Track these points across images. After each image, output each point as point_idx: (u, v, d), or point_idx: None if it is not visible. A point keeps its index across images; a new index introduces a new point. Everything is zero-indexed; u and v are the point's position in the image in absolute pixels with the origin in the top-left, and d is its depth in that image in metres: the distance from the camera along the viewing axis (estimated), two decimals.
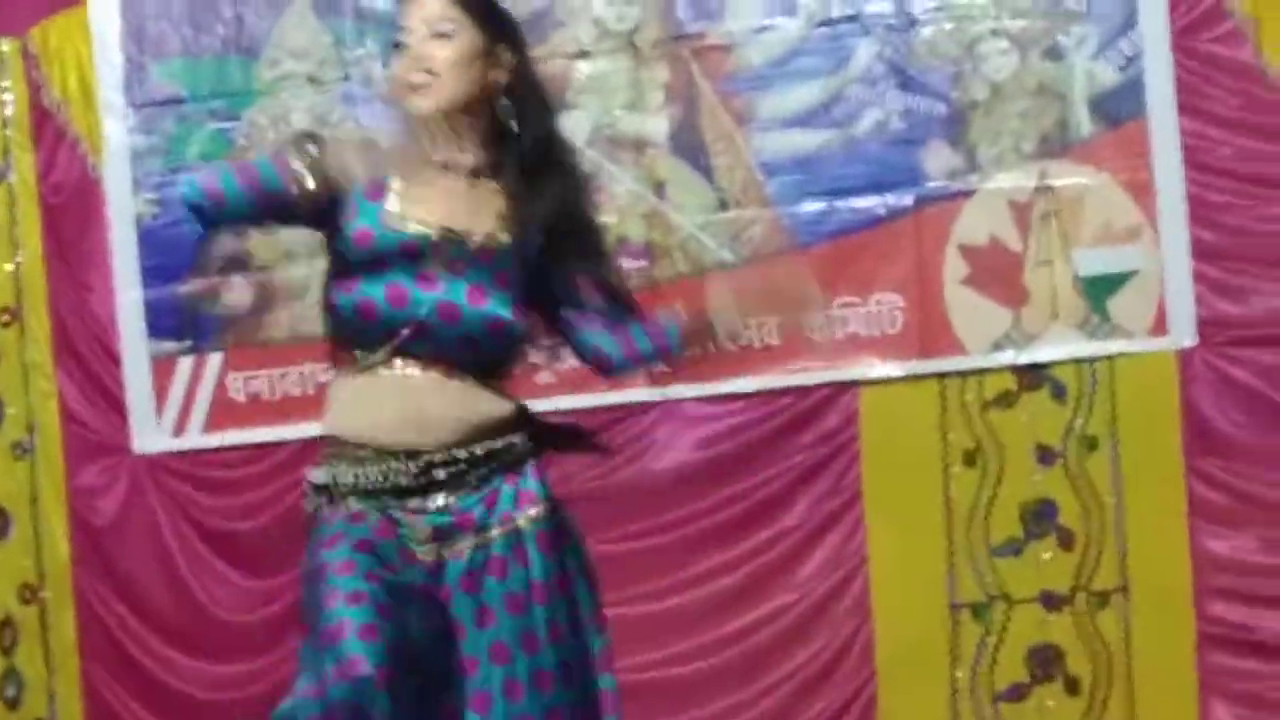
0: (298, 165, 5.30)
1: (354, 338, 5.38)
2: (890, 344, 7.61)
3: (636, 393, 7.62)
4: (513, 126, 5.46)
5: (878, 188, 7.58)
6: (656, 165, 7.70)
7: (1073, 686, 7.54)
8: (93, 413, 7.95)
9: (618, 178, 7.74)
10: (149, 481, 7.91)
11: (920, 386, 7.63)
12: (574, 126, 7.57)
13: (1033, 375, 7.56)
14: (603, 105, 7.77)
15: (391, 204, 5.38)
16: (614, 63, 7.77)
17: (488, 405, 5.47)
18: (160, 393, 7.92)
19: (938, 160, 7.56)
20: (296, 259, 7.89)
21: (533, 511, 5.40)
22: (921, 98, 7.60)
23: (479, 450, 5.45)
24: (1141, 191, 7.47)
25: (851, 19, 7.59)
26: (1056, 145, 7.52)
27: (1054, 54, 7.52)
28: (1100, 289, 7.53)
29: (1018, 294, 7.55)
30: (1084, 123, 7.53)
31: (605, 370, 5.58)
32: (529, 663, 5.46)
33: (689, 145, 7.71)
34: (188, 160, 7.82)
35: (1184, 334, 7.43)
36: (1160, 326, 7.46)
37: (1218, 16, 7.42)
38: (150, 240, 7.73)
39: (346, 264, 5.35)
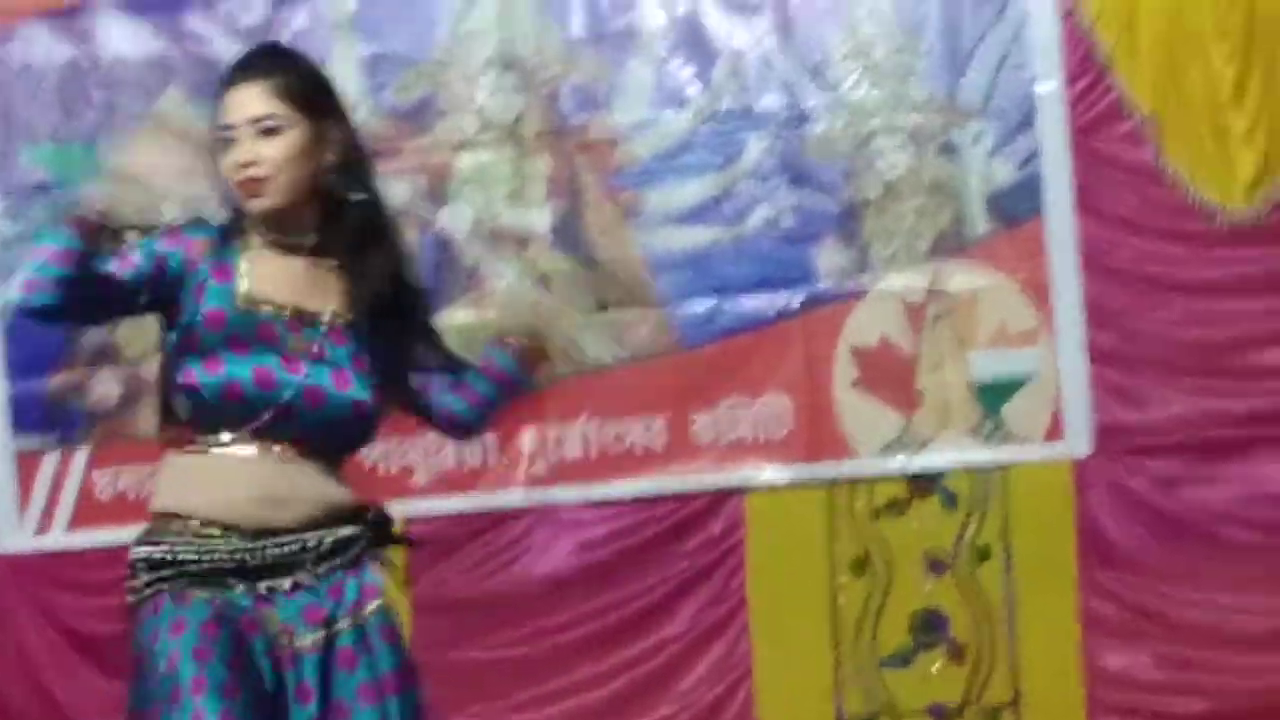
0: (129, 240, 5.02)
1: (210, 418, 5.12)
2: (777, 448, 7.50)
3: (512, 496, 7.55)
4: (344, 196, 5.29)
5: (767, 286, 7.48)
6: (539, 260, 7.64)
7: None
8: None
9: (499, 272, 7.70)
10: (10, 582, 7.84)
11: (808, 493, 7.51)
12: (455, 218, 7.66)
13: (924, 482, 7.44)
14: (485, 197, 7.71)
15: (241, 285, 5.15)
16: (497, 154, 7.71)
17: (336, 491, 5.24)
18: (24, 489, 7.84)
19: (829, 259, 7.45)
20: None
21: (374, 604, 5.13)
22: (813, 194, 7.48)
23: (328, 539, 5.22)
24: (1038, 293, 7.36)
25: (742, 114, 7.50)
26: (951, 244, 7.40)
27: (949, 151, 7.43)
28: (994, 394, 7.43)
29: (909, 398, 7.45)
30: (980, 221, 7.42)
31: (461, 429, 5.36)
32: None
33: (573, 240, 7.64)
34: (55, 244, 7.66)
35: (1080, 442, 7.32)
36: (1056, 433, 7.35)
37: (1118, 116, 7.34)
38: (17, 332, 7.63)
39: (195, 346, 5.08)
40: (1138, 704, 7.31)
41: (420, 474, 7.68)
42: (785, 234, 7.47)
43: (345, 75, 7.62)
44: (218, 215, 5.42)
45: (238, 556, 5.11)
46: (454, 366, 5.40)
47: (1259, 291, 7.37)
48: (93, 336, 7.83)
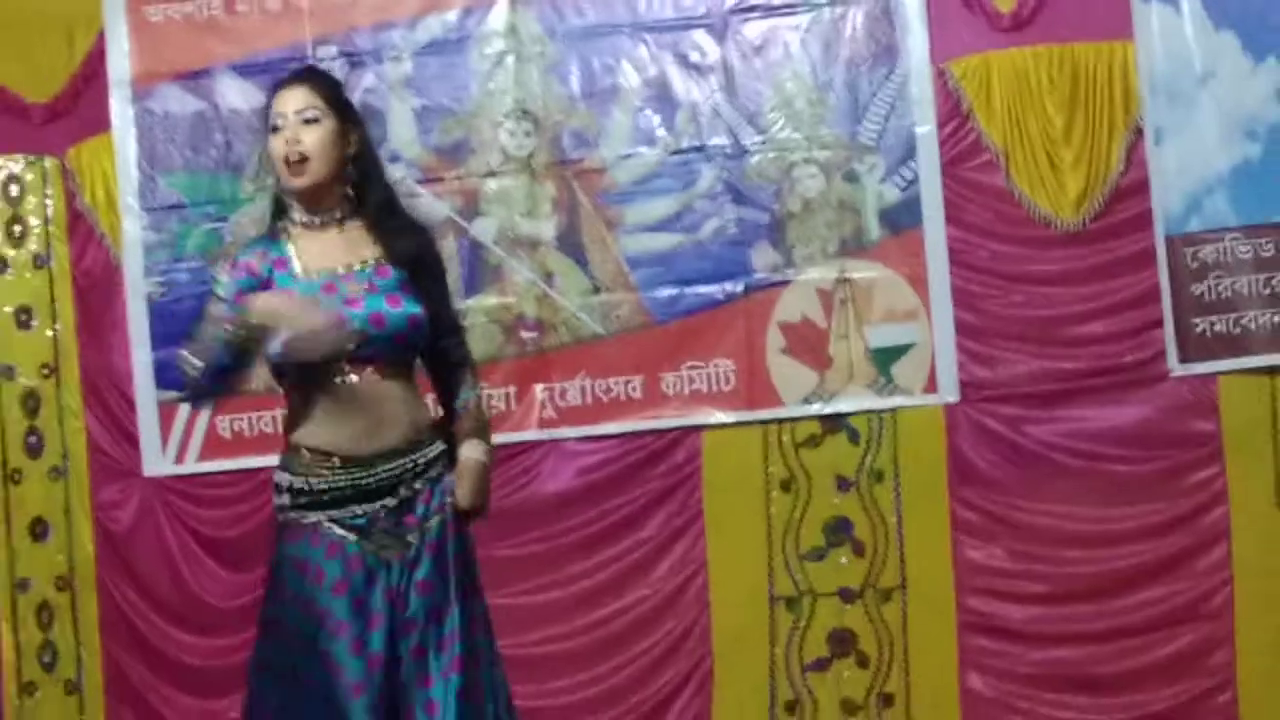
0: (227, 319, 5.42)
1: (311, 365, 5.46)
2: (725, 397, 7.68)
3: (528, 434, 7.73)
4: (364, 178, 5.61)
5: (717, 278, 7.67)
6: (546, 259, 7.78)
7: (863, 661, 7.61)
8: (112, 445, 7.99)
9: (516, 269, 7.81)
10: (155, 498, 7.96)
11: (748, 430, 7.71)
12: (484, 228, 7.76)
13: (834, 422, 7.66)
14: (505, 213, 7.82)
15: (295, 266, 5.52)
16: (515, 181, 7.81)
17: (421, 411, 5.60)
18: (164, 430, 7.95)
19: (762, 257, 7.66)
20: None
21: (446, 511, 5.48)
22: (750, 209, 7.67)
23: (421, 460, 5.51)
24: (918, 283, 7.58)
25: (698, 149, 7.67)
26: (853, 247, 7.62)
27: (851, 177, 7.62)
28: (886, 357, 7.63)
29: (823, 360, 7.65)
30: (874, 230, 7.63)
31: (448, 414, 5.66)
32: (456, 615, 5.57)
33: (571, 244, 7.78)
34: (188, 251, 7.90)
35: (949, 393, 7.57)
36: (931, 386, 7.59)
37: (977, 150, 7.56)
38: (158, 313, 7.81)
39: None
40: (994, 586, 7.54)
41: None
42: (730, 239, 7.66)
43: (402, 121, 7.84)
44: (260, 228, 6.17)
45: (355, 482, 5.48)
46: (456, 352, 5.73)
47: (1082, 281, 7.57)
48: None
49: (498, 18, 7.84)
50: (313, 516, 5.50)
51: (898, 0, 7.66)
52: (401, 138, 7.90)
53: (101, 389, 8.03)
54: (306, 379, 5.51)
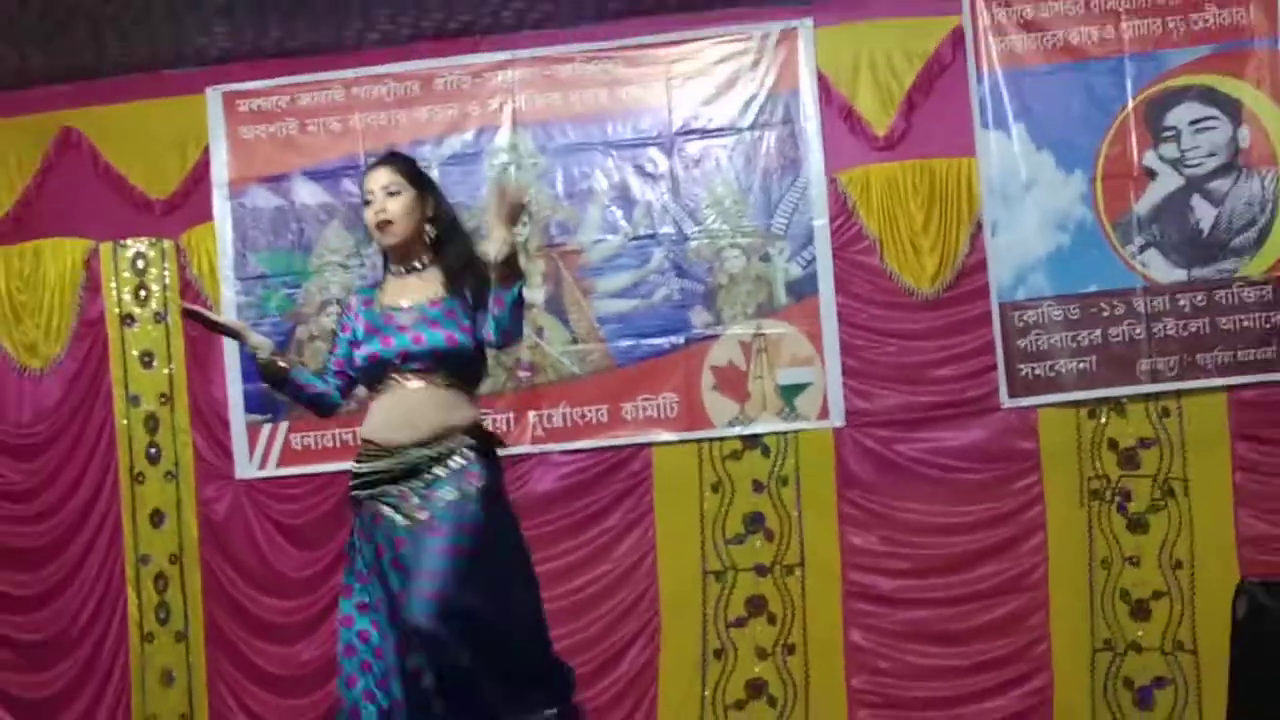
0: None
1: (370, 377, 5.76)
2: (670, 423, 7.95)
3: (523, 448, 7.92)
4: (439, 235, 5.83)
5: (664, 333, 7.94)
6: (537, 318, 7.98)
7: (772, 620, 7.87)
8: (212, 455, 8.25)
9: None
10: (244, 495, 8.21)
11: (687, 447, 7.96)
12: None
13: (751, 441, 7.93)
14: None
15: (375, 304, 5.80)
16: (524, 259, 7.20)
17: (452, 415, 5.70)
18: (251, 443, 8.19)
19: (699, 317, 7.94)
20: None
21: (452, 496, 5.60)
22: (690, 281, 7.95)
23: (441, 450, 5.65)
24: (815, 337, 7.85)
25: (650, 236, 7.96)
26: (767, 310, 7.89)
27: (765, 258, 7.89)
28: (790, 393, 7.89)
29: (743, 394, 7.92)
30: (782, 297, 7.90)
31: (502, 334, 5.66)
32: None
33: (556, 306, 8.03)
34: (270, 311, 8.10)
35: (837, 419, 7.86)
36: (824, 414, 7.86)
37: (859, 238, 7.85)
38: (246, 356, 7.10)
39: (359, 344, 5.77)
40: (870, 564, 7.82)
41: None
42: (674, 304, 7.93)
43: None
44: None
45: (388, 466, 5.68)
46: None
47: (937, 336, 7.82)
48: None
49: (502, 137, 8.06)
50: (362, 494, 5.73)
51: (800, 127, 7.87)
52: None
53: (205, 413, 8.26)
54: (373, 386, 5.78)
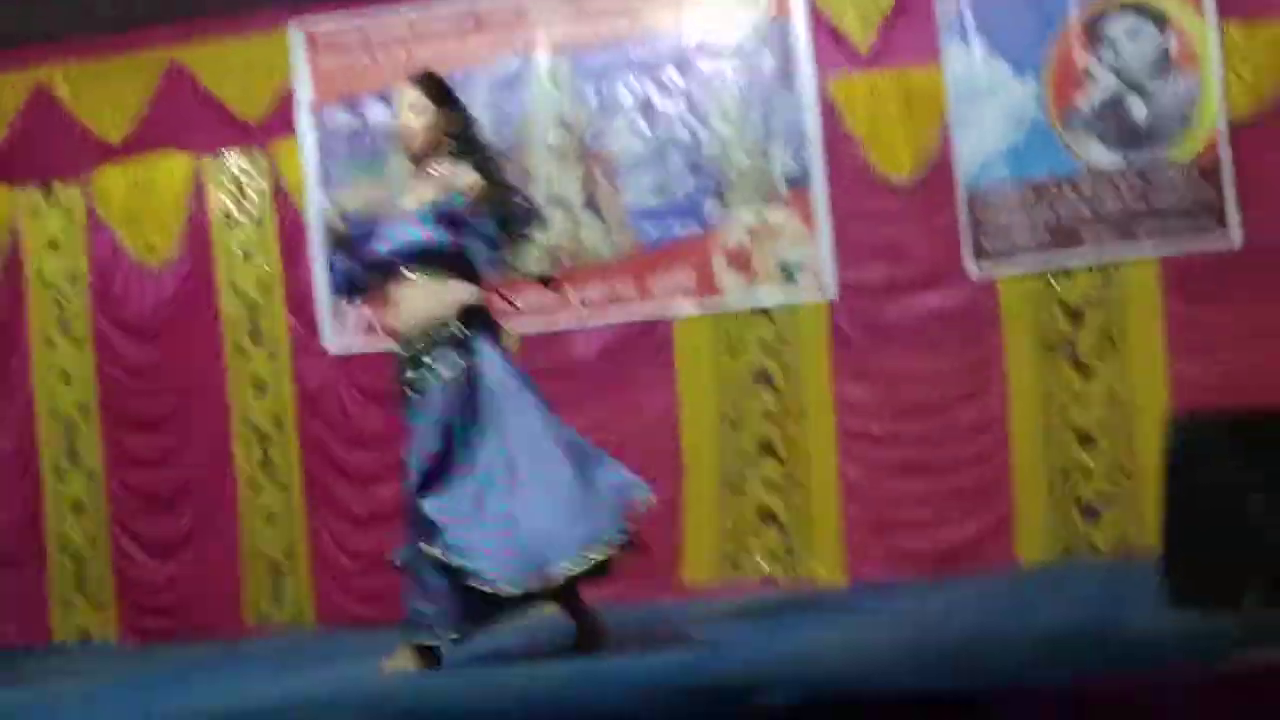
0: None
1: (382, 273, 6.00)
2: (689, 296, 8.22)
3: (570, 321, 8.24)
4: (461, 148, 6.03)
5: (683, 221, 8.23)
6: (577, 213, 8.27)
7: (778, 457, 8.18)
8: (305, 333, 8.50)
9: (558, 218, 8.22)
10: (333, 365, 8.51)
11: (703, 316, 8.22)
12: (538, 194, 7.94)
13: (758, 310, 8.20)
14: (553, 183, 8.31)
15: (403, 203, 6.05)
16: (557, 164, 8.33)
17: (449, 299, 5.89)
18: (337, 322, 8.45)
19: (712, 208, 8.21)
20: None
21: (461, 367, 5.87)
22: (704, 179, 8.21)
23: (445, 332, 5.87)
24: (809, 222, 8.10)
25: (669, 141, 8.19)
26: (769, 200, 8.15)
27: (766, 156, 8.14)
28: (790, 269, 8.18)
29: (750, 271, 8.19)
30: (781, 189, 8.16)
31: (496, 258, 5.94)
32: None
33: (592, 202, 8.31)
34: (348, 211, 6.69)
35: (830, 292, 8.13)
36: (819, 286, 8.11)
37: (845, 137, 8.10)
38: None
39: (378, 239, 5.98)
40: (859, 409, 8.09)
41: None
42: (691, 197, 8.19)
43: (486, 128, 7.06)
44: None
45: (411, 347, 5.99)
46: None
47: (913, 219, 8.04)
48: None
49: (542, 61, 8.35)
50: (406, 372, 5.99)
51: (794, 45, 8.13)
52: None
53: (298, 298, 8.58)
54: (389, 281, 6.03)
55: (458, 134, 6.08)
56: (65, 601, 8.86)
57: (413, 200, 6.05)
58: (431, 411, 5.86)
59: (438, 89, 6.11)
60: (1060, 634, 5.42)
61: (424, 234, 5.90)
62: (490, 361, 5.99)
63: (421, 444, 5.87)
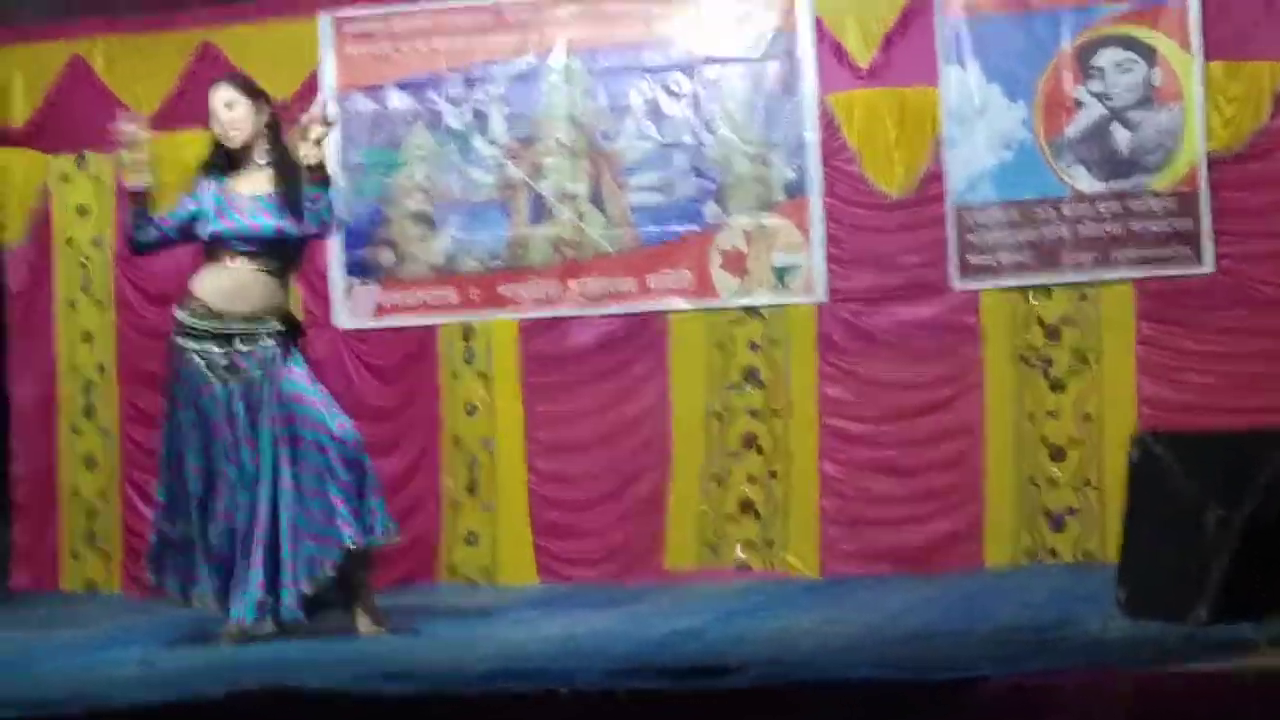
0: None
1: (212, 249, 6.12)
2: (684, 294, 8.26)
3: (568, 310, 8.27)
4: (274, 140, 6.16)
5: (682, 221, 8.26)
6: (580, 206, 8.31)
7: (761, 452, 8.19)
8: (316, 308, 8.40)
9: (563, 211, 8.34)
10: (341, 341, 8.48)
11: (697, 314, 8.26)
12: (545, 187, 8.32)
13: (750, 310, 8.22)
14: (558, 178, 8.37)
15: (227, 190, 6.14)
16: (565, 159, 8.36)
17: (275, 298, 6.11)
18: (348, 300, 8.46)
19: (711, 210, 8.24)
20: (412, 241, 8.50)
21: (270, 368, 6.03)
22: (705, 181, 8.23)
23: (261, 328, 6.05)
24: (804, 229, 8.14)
25: (675, 144, 8.22)
26: (766, 205, 8.18)
27: (766, 163, 8.15)
28: (782, 273, 8.20)
29: (744, 273, 8.21)
30: (779, 195, 8.18)
31: (318, 229, 6.07)
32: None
33: (596, 198, 8.33)
34: (364, 194, 8.38)
35: (820, 295, 8.14)
36: (810, 291, 8.14)
37: (842, 149, 8.12)
38: (347, 231, 8.18)
39: (208, 221, 6.07)
40: (842, 410, 8.12)
41: (572, 290, 8.20)
42: (692, 198, 8.22)
43: (498, 122, 8.35)
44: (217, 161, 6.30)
45: (209, 327, 6.07)
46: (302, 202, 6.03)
47: (903, 231, 8.07)
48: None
49: (557, 61, 8.34)
50: (185, 343, 6.08)
51: (798, 58, 8.11)
52: (495, 131, 8.41)
53: (311, 277, 8.35)
54: (209, 255, 6.14)
55: (271, 125, 6.22)
56: (74, 553, 8.85)
57: (249, 188, 6.16)
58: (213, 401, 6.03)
59: (248, 84, 6.26)
60: (1012, 632, 5.47)
61: (277, 225, 6.06)
62: (293, 368, 6.18)
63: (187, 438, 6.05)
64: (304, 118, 5.99)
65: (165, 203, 8.12)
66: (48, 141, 8.88)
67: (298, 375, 6.09)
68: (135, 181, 6.13)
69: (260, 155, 6.16)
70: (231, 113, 6.16)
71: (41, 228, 8.96)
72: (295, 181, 6.02)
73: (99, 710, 4.51)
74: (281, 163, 6.14)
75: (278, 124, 6.20)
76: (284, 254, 6.16)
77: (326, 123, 6.06)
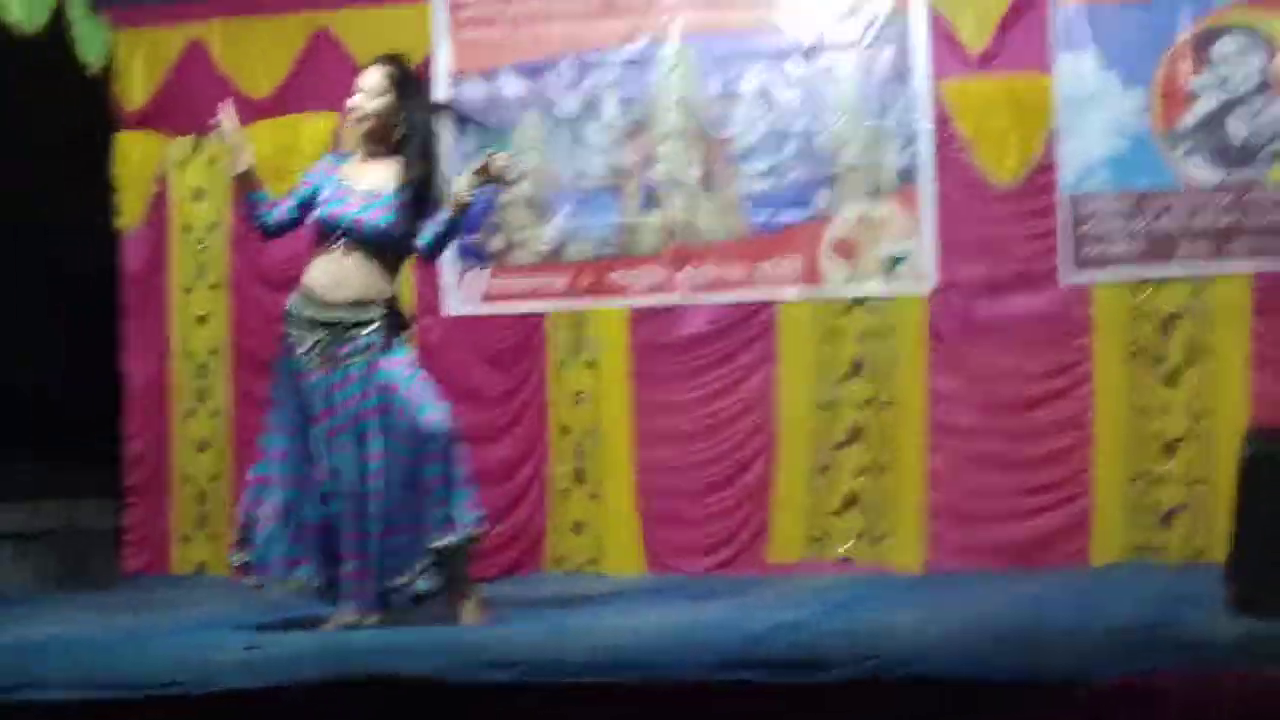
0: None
1: (321, 238, 6.08)
2: (793, 282, 8.27)
3: (676, 299, 8.31)
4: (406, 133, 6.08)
5: (793, 208, 8.26)
6: (692, 193, 8.34)
7: (868, 445, 8.18)
8: (428, 294, 8.45)
9: (675, 197, 8.39)
10: (452, 327, 8.51)
11: (806, 302, 8.26)
12: (657, 174, 8.35)
13: (859, 300, 8.22)
14: (670, 165, 8.39)
15: (345, 175, 6.11)
16: (677, 146, 8.37)
17: (376, 286, 6.02)
18: (460, 286, 8.51)
19: (822, 197, 8.23)
20: (522, 227, 8.57)
21: (370, 356, 5.98)
22: (818, 168, 8.22)
23: (364, 315, 5.99)
24: (915, 218, 8.14)
25: (787, 131, 8.22)
26: (877, 194, 8.18)
27: (878, 151, 8.18)
28: (892, 262, 8.22)
29: (855, 262, 8.22)
30: (892, 184, 8.18)
31: (424, 256, 6.14)
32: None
33: (709, 184, 8.37)
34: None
35: (930, 285, 8.16)
36: (920, 280, 8.16)
37: (954, 138, 8.11)
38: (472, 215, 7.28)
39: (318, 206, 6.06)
40: (951, 400, 8.07)
41: (683, 279, 8.24)
42: (803, 185, 8.21)
43: (610, 106, 8.40)
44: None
45: (318, 314, 6.05)
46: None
47: (1014, 222, 8.05)
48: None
49: (670, 47, 8.40)
50: (292, 331, 6.08)
51: (911, 45, 8.13)
52: (607, 117, 8.47)
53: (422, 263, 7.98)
54: (318, 241, 6.13)
55: (410, 125, 6.13)
56: (185, 536, 8.94)
57: (368, 181, 6.12)
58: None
59: (403, 75, 6.17)
60: (1120, 631, 5.40)
61: (387, 224, 6.03)
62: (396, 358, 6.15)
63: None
64: (498, 159, 6.01)
65: (276, 185, 8.20)
66: (165, 125, 8.94)
67: (397, 364, 6.03)
68: (238, 165, 6.14)
69: (385, 149, 6.11)
70: (370, 100, 6.13)
71: (158, 211, 9.02)
72: (423, 190, 6.02)
73: (205, 692, 4.60)
74: (414, 165, 6.08)
75: (420, 128, 6.10)
76: (388, 250, 6.13)
77: (508, 180, 6.16)
